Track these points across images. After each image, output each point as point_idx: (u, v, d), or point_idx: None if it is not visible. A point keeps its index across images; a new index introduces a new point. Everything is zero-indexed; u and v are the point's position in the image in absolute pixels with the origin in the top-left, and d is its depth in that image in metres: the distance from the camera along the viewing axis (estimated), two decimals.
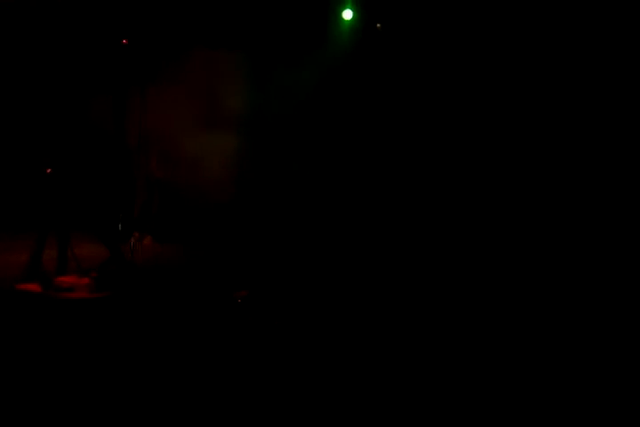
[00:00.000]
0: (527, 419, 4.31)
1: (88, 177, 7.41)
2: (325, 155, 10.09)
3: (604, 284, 7.31)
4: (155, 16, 7.93)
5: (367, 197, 10.14)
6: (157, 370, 4.88)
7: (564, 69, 9.24)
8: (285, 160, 10.15)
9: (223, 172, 9.66)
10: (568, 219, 9.07)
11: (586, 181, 9.14)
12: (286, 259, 8.61)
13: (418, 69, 10.06)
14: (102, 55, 7.05)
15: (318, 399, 4.47)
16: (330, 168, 10.13)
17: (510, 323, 6.21)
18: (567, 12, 9.14)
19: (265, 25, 9.73)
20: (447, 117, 9.83)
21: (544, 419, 4.30)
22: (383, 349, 5.45)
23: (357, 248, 9.23)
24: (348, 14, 10.52)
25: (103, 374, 4.76)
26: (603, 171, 9.07)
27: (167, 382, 4.67)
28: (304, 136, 10.01)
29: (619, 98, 9.02)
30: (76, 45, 6.77)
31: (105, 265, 7.30)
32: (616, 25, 8.90)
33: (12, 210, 8.34)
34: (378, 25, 10.57)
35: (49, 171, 7.05)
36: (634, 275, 7.52)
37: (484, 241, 9.15)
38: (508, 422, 4.28)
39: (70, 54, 6.81)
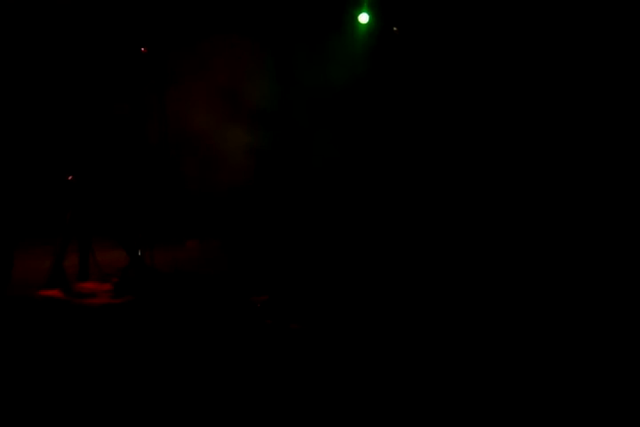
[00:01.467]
0: (527, 419, 4.30)
1: (109, 183, 7.47)
2: (343, 153, 10.11)
3: (604, 284, 7.26)
4: (170, 10, 7.97)
5: (384, 196, 10.14)
6: (176, 374, 4.91)
7: (579, 73, 9.23)
8: (304, 157, 10.18)
9: (244, 167, 9.71)
10: (567, 219, 9.03)
11: (585, 181, 9.10)
12: (306, 262, 8.62)
13: (434, 72, 10.06)
14: (122, 61, 7.10)
15: (330, 403, 4.48)
16: (347, 167, 10.14)
17: (510, 323, 6.18)
18: (580, 15, 9.13)
19: (285, 20, 9.77)
20: (464, 119, 9.84)
21: (544, 419, 4.29)
22: (396, 354, 5.45)
23: (374, 249, 9.23)
24: (364, 18, 10.54)
25: (124, 379, 4.79)
26: (602, 171, 9.03)
27: (185, 386, 4.69)
28: (322, 134, 10.03)
29: (618, 98, 8.99)
30: (96, 51, 6.83)
31: (126, 271, 7.35)
32: (616, 25, 8.88)
33: (34, 216, 8.42)
34: (394, 28, 10.58)
35: (70, 178, 7.12)
36: (634, 275, 7.47)
37: (483, 241, 9.13)
38: (508, 423, 4.27)
39: (90, 61, 6.87)
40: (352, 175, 10.20)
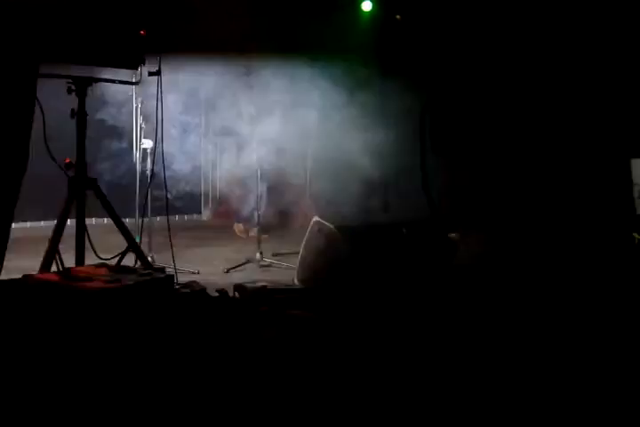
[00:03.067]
0: (527, 419, 4.26)
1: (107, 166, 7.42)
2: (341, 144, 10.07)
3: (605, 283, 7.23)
4: None
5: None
6: (169, 363, 4.88)
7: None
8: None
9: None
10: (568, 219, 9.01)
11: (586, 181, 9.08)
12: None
13: (437, 61, 10.02)
14: (120, 44, 7.01)
15: (321, 400, 4.44)
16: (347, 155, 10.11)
17: (511, 323, 6.15)
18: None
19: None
20: (466, 108, 9.80)
21: (544, 419, 4.25)
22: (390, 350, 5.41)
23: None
24: (367, 6, 10.50)
25: (117, 366, 4.76)
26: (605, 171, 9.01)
27: (178, 377, 4.66)
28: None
29: (620, 98, 8.96)
30: (94, 35, 6.76)
31: (123, 255, 7.30)
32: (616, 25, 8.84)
33: (30, 200, 8.35)
34: (397, 16, 10.53)
35: (67, 161, 7.05)
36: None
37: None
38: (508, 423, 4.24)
39: (88, 44, 6.79)
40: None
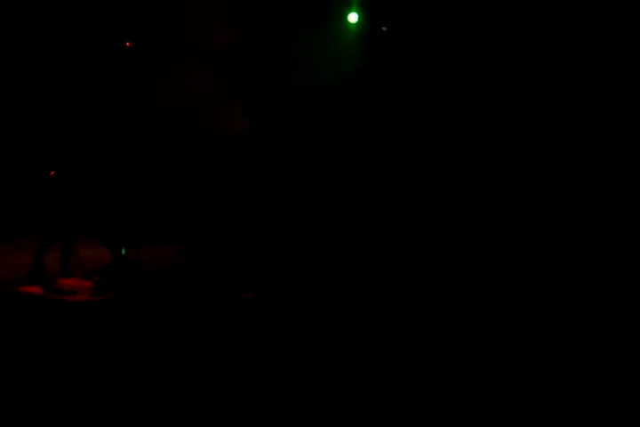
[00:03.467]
0: (527, 419, 4.26)
1: (93, 178, 7.40)
2: (330, 153, 10.09)
3: (604, 284, 7.25)
4: None
5: (371, 193, 10.13)
6: (158, 373, 4.85)
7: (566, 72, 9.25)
8: (292, 151, 10.14)
9: (231, 162, 9.63)
10: (567, 218, 9.03)
11: (585, 181, 9.10)
12: (291, 259, 8.59)
13: (423, 72, 10.08)
14: (107, 56, 7.03)
15: (317, 400, 4.44)
16: (333, 166, 10.12)
17: (510, 323, 6.16)
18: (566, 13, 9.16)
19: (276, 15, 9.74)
20: (451, 118, 9.86)
21: (544, 419, 4.25)
22: (384, 351, 5.41)
23: (360, 247, 9.21)
24: (353, 17, 10.55)
25: (104, 377, 4.73)
26: (602, 171, 9.04)
27: (167, 384, 4.64)
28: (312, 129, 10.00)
29: (618, 98, 9.00)
30: (78, 45, 6.77)
31: (108, 268, 7.28)
32: (616, 25, 8.90)
33: (15, 213, 8.33)
34: (384, 28, 10.59)
35: (52, 173, 7.04)
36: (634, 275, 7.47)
37: (482, 241, 9.12)
38: (508, 423, 4.23)
39: (73, 54, 6.81)
40: (339, 172, 10.19)
